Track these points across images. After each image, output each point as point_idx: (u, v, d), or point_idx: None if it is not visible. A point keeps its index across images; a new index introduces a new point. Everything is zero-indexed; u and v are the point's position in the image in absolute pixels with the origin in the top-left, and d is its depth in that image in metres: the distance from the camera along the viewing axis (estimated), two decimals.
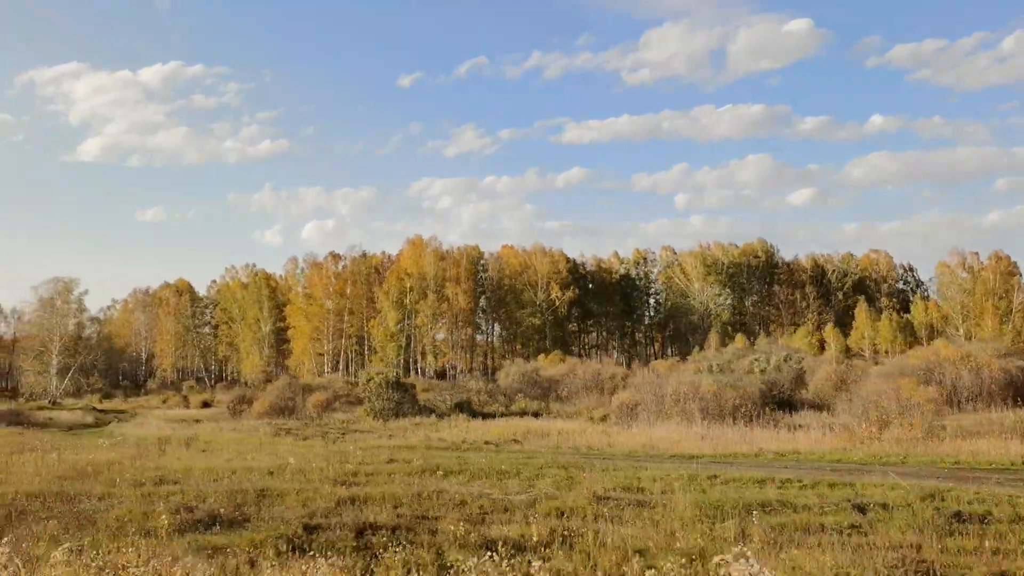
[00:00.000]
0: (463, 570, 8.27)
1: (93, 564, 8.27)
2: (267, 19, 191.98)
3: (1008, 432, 23.64)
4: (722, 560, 4.43)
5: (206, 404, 58.63)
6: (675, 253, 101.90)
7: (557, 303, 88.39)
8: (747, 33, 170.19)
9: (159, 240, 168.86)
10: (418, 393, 46.31)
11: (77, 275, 70.99)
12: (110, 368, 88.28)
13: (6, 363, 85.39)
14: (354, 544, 10.64)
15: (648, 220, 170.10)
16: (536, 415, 39.81)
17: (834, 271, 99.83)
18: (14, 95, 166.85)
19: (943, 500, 13.23)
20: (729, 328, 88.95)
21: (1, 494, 14.74)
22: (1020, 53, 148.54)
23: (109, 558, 8.67)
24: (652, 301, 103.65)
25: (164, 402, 64.50)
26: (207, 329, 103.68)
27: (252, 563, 9.64)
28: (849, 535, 10.95)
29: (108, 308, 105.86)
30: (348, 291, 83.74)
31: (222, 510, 12.91)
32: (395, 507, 13.34)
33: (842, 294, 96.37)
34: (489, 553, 8.24)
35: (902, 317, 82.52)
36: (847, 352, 72.53)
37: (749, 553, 4.31)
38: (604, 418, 36.86)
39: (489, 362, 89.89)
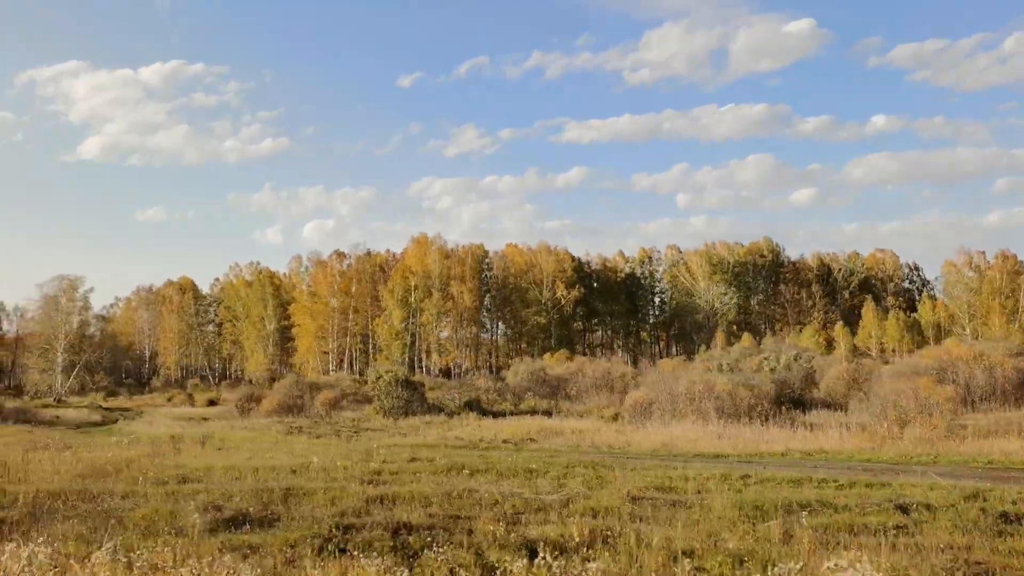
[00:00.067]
0: (511, 571, 8.06)
1: (136, 564, 8.06)
2: (267, 19, 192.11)
3: None
4: (835, 566, 4.20)
5: (212, 402, 58.46)
6: (680, 252, 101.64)
7: (562, 302, 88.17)
8: (747, 33, 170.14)
9: (159, 240, 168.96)
10: (426, 391, 46.08)
11: (79, 274, 70.73)
12: (114, 366, 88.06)
13: (9, 361, 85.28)
14: (391, 544, 10.41)
15: (648, 220, 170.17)
16: (547, 414, 39.53)
17: (840, 270, 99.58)
18: (14, 94, 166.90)
19: (986, 500, 12.98)
20: (735, 327, 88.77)
21: (23, 492, 14.50)
22: (1020, 54, 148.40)
23: (147, 557, 8.47)
24: (657, 300, 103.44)
25: (169, 400, 64.31)
26: (211, 327, 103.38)
27: (290, 562, 9.42)
28: (896, 536, 10.71)
29: (111, 306, 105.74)
30: (353, 289, 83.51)
31: (251, 509, 12.68)
32: (426, 506, 13.12)
33: (848, 293, 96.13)
34: (541, 555, 8.05)
35: (909, 316, 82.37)
36: (854, 351, 72.33)
37: (864, 558, 4.09)
38: (615, 417, 36.60)
39: (494, 361, 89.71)
